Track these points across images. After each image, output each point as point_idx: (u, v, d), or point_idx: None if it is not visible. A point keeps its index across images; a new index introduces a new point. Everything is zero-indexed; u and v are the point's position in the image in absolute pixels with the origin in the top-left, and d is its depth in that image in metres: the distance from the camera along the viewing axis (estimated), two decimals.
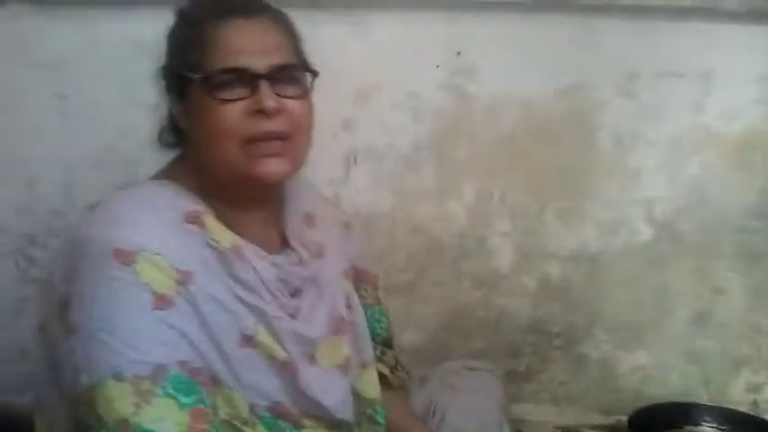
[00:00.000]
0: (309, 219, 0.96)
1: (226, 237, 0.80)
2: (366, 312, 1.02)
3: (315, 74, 0.87)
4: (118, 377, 0.68)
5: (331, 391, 0.87)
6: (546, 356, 1.62)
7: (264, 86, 0.78)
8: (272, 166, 0.80)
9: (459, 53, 1.45)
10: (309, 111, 0.85)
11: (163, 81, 0.87)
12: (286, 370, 0.82)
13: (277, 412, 0.81)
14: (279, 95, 0.79)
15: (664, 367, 1.63)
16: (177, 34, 0.86)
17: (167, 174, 0.87)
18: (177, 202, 0.80)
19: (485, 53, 1.45)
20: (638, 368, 1.63)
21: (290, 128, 0.81)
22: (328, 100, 1.36)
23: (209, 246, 0.78)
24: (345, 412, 0.88)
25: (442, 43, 1.45)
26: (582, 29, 1.45)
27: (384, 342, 1.08)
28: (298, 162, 0.85)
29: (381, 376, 1.03)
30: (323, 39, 1.34)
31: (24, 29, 1.33)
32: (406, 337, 1.56)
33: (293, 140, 0.82)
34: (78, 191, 1.38)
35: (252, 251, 0.83)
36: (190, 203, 0.80)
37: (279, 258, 0.87)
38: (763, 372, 1.65)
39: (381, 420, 0.96)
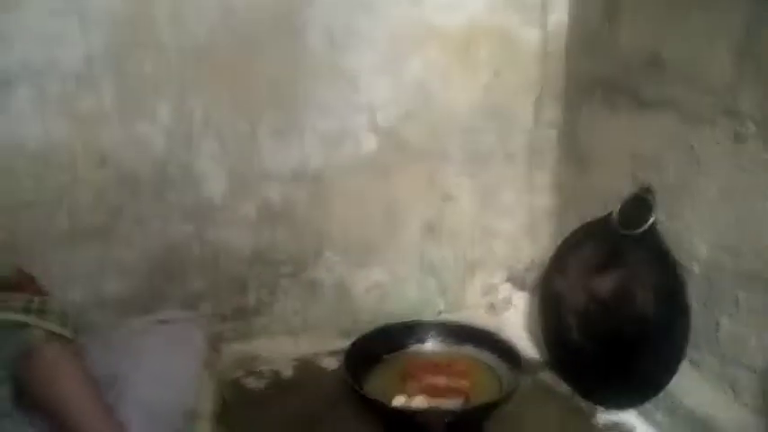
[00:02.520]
0: None
1: None
2: None
3: None
4: None
5: None
6: (275, 287, 1.70)
7: None
8: None
9: None
10: None
11: None
12: None
13: None
14: None
15: (400, 282, 1.80)
16: None
17: None
18: None
19: None
20: (374, 286, 1.78)
21: None
22: None
23: None
24: None
25: None
26: None
27: (3, 286, 1.08)
28: None
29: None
30: None
31: None
32: (108, 288, 1.55)
33: None
34: None
35: None
36: None
37: None
38: (497, 273, 1.90)
39: None
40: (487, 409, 1.32)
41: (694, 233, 1.36)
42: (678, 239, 1.38)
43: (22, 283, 1.10)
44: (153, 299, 1.58)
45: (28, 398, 1.03)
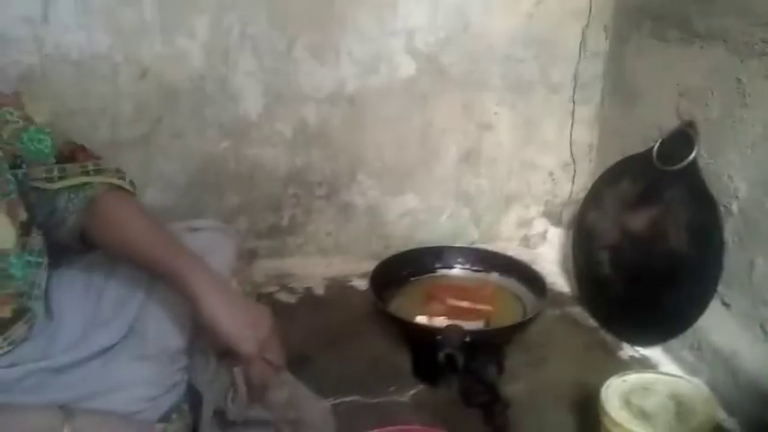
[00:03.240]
0: None
1: None
2: (21, 138, 0.99)
3: None
4: None
5: None
6: (309, 207, 1.71)
7: None
8: None
9: None
10: None
11: None
12: None
13: None
14: None
15: (433, 210, 1.79)
16: None
17: None
18: None
19: None
20: (406, 213, 1.77)
21: None
22: None
23: None
24: None
25: None
26: None
27: (59, 159, 1.04)
28: None
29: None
30: None
31: None
32: (148, 197, 1.58)
33: None
34: None
35: None
36: None
37: None
38: (533, 207, 1.87)
39: (17, 273, 0.94)
40: (508, 333, 1.31)
41: (735, 170, 1.30)
42: (718, 177, 1.33)
43: (74, 154, 1.07)
44: (191, 210, 1.60)
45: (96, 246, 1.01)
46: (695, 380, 1.30)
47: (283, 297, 1.65)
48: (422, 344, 1.32)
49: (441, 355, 1.16)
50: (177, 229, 1.24)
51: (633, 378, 1.13)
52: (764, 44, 1.21)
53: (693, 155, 1.36)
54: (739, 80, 1.27)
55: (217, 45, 1.51)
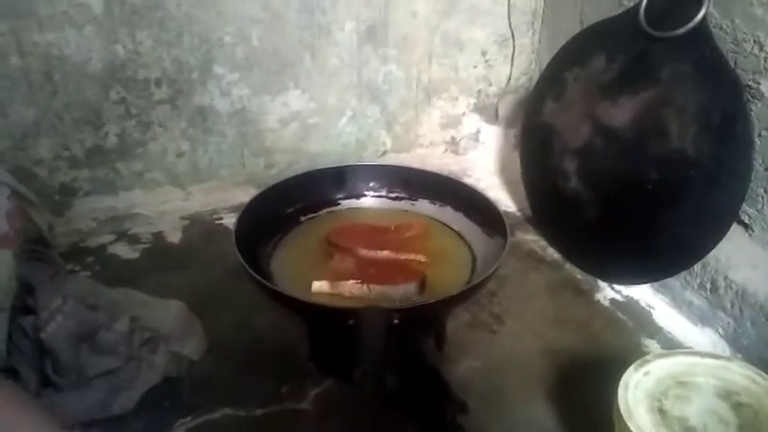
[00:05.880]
0: None
1: None
2: None
3: None
4: None
5: None
6: (147, 118, 1.18)
7: None
8: None
9: None
10: None
11: None
12: None
13: None
14: None
15: (328, 110, 1.30)
16: None
17: None
18: None
19: None
20: (291, 117, 1.27)
21: None
22: None
23: None
24: None
25: None
26: None
27: None
28: None
29: None
30: None
31: None
32: None
33: None
34: None
35: None
36: None
37: None
38: (462, 100, 1.40)
39: None
40: (455, 301, 0.84)
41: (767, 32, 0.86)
42: (739, 43, 0.92)
43: None
44: None
45: None
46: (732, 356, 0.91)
47: (121, 251, 1.14)
48: (324, 329, 0.85)
49: (356, 374, 0.69)
50: None
51: (658, 368, 0.72)
52: None
53: (702, 13, 0.91)
54: None
55: None
